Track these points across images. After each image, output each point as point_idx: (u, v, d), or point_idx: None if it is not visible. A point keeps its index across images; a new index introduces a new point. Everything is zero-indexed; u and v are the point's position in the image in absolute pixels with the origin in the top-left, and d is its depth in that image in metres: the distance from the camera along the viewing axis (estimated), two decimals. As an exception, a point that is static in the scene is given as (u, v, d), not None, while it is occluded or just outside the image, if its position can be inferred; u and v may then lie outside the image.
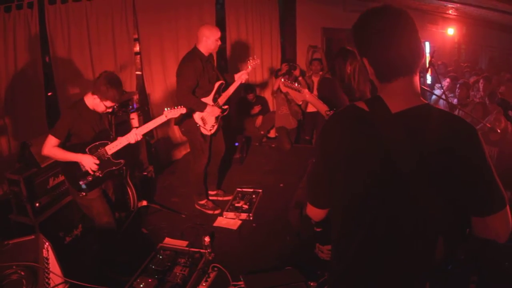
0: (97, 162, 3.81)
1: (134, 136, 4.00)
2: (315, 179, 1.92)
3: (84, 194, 3.87)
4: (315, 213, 1.99)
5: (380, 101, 1.66)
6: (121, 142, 3.97)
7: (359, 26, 1.66)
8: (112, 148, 3.94)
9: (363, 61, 1.70)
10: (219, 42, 5.05)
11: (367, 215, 1.68)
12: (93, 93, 3.74)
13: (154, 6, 6.83)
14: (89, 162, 3.78)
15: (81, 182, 3.83)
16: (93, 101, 3.77)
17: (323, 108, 3.62)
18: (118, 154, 4.02)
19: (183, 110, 4.40)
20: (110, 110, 3.86)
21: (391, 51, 1.60)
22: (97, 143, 3.87)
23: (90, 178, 3.86)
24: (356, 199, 1.71)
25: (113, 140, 3.97)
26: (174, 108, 4.34)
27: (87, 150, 3.81)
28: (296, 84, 3.63)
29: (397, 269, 1.69)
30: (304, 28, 9.53)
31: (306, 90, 3.60)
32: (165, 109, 4.32)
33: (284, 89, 3.71)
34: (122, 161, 4.05)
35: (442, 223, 1.62)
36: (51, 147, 3.67)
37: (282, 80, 3.68)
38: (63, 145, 3.74)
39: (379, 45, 1.61)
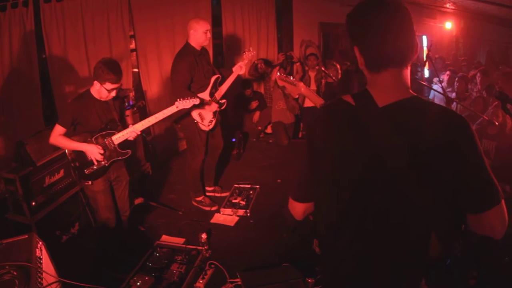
0: (102, 151, 3.82)
1: (132, 133, 3.97)
2: (300, 173, 1.90)
3: (90, 182, 3.91)
4: (296, 208, 1.95)
5: (367, 94, 1.64)
6: (128, 132, 3.96)
7: (354, 14, 1.64)
8: (119, 138, 3.93)
9: (354, 50, 1.68)
10: (208, 35, 5.00)
11: (356, 210, 1.66)
12: (93, 80, 3.76)
13: (150, 3, 6.84)
14: (93, 151, 3.79)
15: (86, 171, 3.86)
16: (96, 89, 3.79)
17: (319, 101, 3.60)
18: (125, 145, 4.03)
19: (196, 101, 4.36)
20: (113, 94, 3.82)
21: (382, 42, 1.57)
22: (103, 132, 3.87)
23: (96, 167, 3.88)
24: (345, 193, 1.68)
25: (120, 129, 3.96)
26: (186, 99, 4.29)
27: (92, 139, 3.81)
28: (292, 78, 3.61)
29: (389, 264, 1.67)
30: (301, 23, 9.48)
31: (302, 84, 3.58)
32: (177, 99, 4.27)
33: (280, 83, 3.69)
34: (129, 151, 4.04)
35: (433, 218, 1.59)
36: (57, 136, 3.72)
37: (278, 74, 3.66)
38: (70, 134, 3.78)
39: (371, 35, 1.59)
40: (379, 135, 1.56)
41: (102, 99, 3.85)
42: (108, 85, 3.72)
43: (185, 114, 5.04)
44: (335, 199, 1.74)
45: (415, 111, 1.57)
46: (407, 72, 1.64)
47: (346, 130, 1.66)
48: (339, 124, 1.70)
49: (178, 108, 4.27)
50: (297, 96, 3.78)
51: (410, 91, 1.63)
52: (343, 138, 1.66)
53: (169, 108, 4.22)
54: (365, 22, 1.60)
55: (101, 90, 3.76)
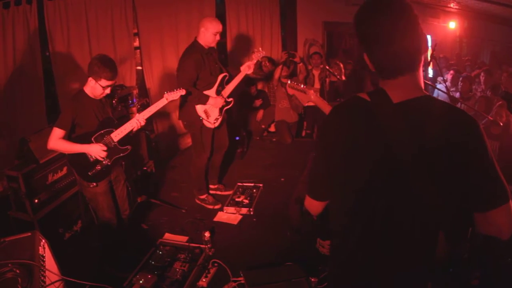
0: (105, 149, 3.78)
1: (136, 121, 3.98)
2: (315, 171, 1.89)
3: (95, 184, 3.86)
4: (313, 206, 1.98)
5: (382, 92, 1.64)
6: (125, 128, 3.94)
7: (360, 20, 1.62)
8: (117, 135, 3.90)
9: (363, 56, 1.68)
10: (217, 37, 4.97)
11: (367, 206, 1.66)
12: (88, 77, 3.72)
13: (154, 0, 6.81)
14: (97, 151, 3.75)
15: (90, 173, 3.82)
16: (90, 87, 3.74)
17: (328, 109, 3.59)
18: (125, 141, 4.00)
19: (182, 92, 4.37)
20: (108, 91, 3.80)
21: (390, 50, 1.57)
22: (102, 131, 3.84)
23: (99, 167, 3.85)
24: (356, 190, 1.68)
25: (117, 126, 3.94)
26: (174, 91, 4.31)
27: (92, 139, 3.77)
28: (302, 86, 3.59)
29: (397, 262, 1.67)
30: (305, 22, 9.48)
31: (312, 91, 3.55)
32: (165, 92, 4.30)
33: (290, 91, 3.64)
34: (129, 147, 4.02)
35: (442, 216, 1.59)
36: (57, 140, 3.62)
37: (289, 82, 3.64)
38: (68, 137, 3.71)
39: (378, 43, 1.58)
40: (392, 129, 1.56)
41: (96, 98, 3.82)
42: (104, 82, 3.70)
43: (191, 111, 5.03)
44: (345, 197, 1.74)
45: (426, 109, 1.57)
46: (419, 73, 1.64)
47: (359, 124, 1.66)
48: (352, 119, 1.70)
49: (168, 100, 4.28)
50: (306, 105, 3.72)
51: (423, 90, 1.63)
52: (356, 132, 1.66)
53: (160, 101, 4.24)
54: (368, 26, 1.60)
55: (96, 87, 3.72)
